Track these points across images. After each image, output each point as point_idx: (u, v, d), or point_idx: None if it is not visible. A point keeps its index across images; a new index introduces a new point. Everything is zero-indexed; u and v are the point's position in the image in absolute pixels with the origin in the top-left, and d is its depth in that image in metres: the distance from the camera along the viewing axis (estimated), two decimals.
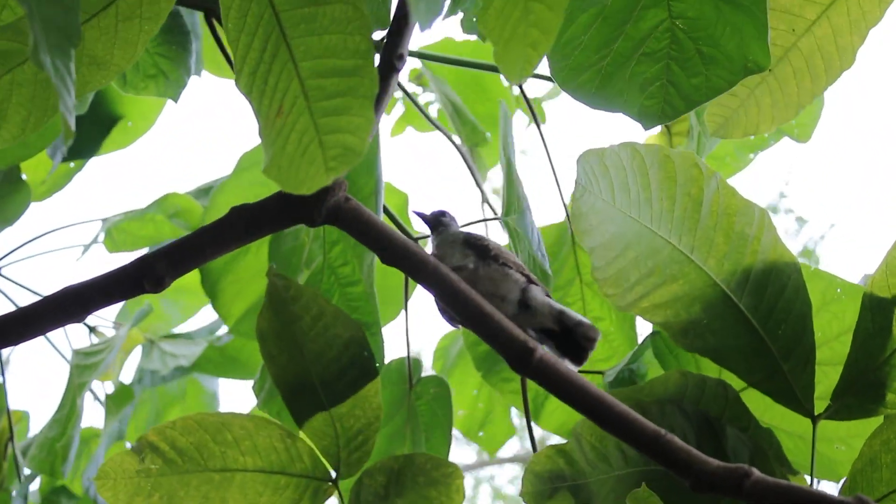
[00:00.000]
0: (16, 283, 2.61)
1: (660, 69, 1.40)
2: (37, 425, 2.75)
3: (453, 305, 1.16)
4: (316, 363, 1.34)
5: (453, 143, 2.21)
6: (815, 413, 1.34)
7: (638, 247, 1.35)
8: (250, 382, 2.17)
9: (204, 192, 2.74)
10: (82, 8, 1.17)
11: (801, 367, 1.33)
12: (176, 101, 2.15)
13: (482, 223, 2.09)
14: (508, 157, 1.69)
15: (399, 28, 1.17)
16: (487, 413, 2.47)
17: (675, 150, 1.38)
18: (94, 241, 2.71)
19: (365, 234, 1.19)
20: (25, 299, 2.66)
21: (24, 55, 1.18)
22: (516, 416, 2.75)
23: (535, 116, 2.13)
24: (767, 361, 1.34)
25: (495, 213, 2.13)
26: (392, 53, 1.17)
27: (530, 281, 1.29)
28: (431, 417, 2.00)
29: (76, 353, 2.44)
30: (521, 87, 2.20)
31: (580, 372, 2.00)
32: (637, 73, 1.42)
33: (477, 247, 1.28)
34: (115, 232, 2.73)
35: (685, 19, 1.38)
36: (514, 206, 1.70)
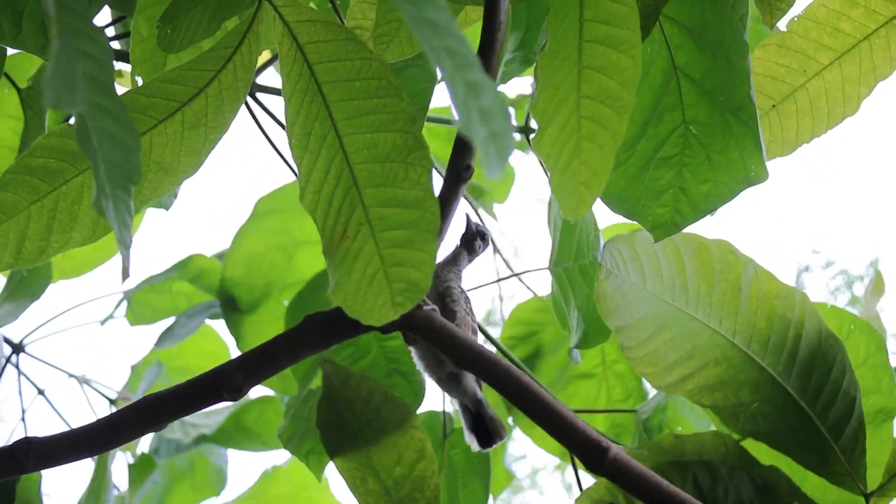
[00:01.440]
0: (40, 360, 2.62)
1: (673, 175, 1.42)
2: None
3: (525, 406, 1.18)
4: (375, 451, 1.36)
5: (466, 198, 2.24)
6: (868, 490, 1.37)
7: (674, 329, 1.37)
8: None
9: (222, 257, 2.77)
10: (150, 114, 1.20)
11: (851, 446, 1.36)
12: (167, 210, 2.21)
13: (498, 283, 2.13)
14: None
15: (466, 139, 1.18)
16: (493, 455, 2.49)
17: (709, 238, 1.41)
18: (111, 315, 2.71)
19: (438, 339, 1.21)
20: (50, 376, 2.68)
21: None
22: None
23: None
24: (819, 443, 1.36)
25: (511, 270, 2.15)
26: (459, 165, 1.19)
27: None
28: (468, 466, 2.04)
29: None
30: (528, 140, 2.23)
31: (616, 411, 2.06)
32: (654, 180, 1.43)
33: (446, 305, 1.30)
34: (136, 304, 2.75)
35: (697, 125, 1.41)
36: (565, 256, 1.73)
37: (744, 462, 1.39)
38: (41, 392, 2.61)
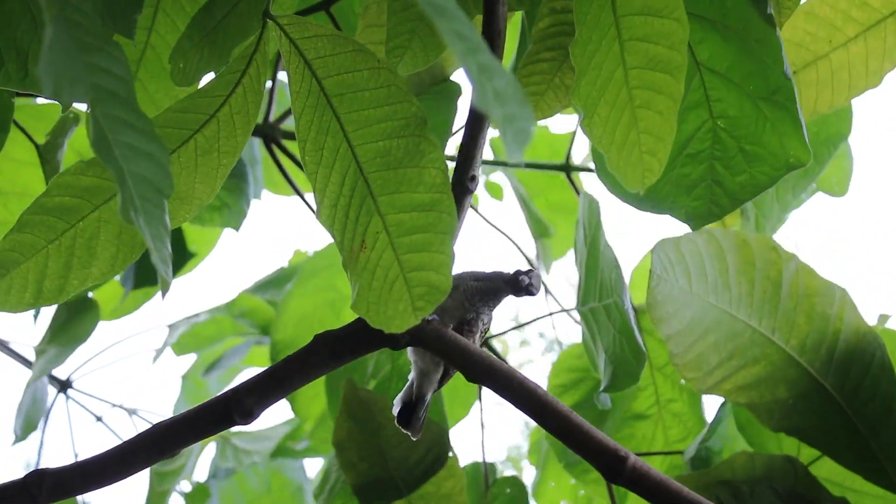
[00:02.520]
0: (88, 395, 2.64)
1: (704, 170, 1.41)
2: None
3: (540, 417, 1.15)
4: (400, 468, 1.35)
5: (512, 241, 2.24)
6: None
7: (717, 331, 1.36)
8: None
9: (263, 286, 2.79)
10: None
11: (890, 445, 1.33)
12: (237, 230, 2.21)
13: (549, 317, 2.12)
14: (591, 246, 1.69)
15: (469, 150, 1.17)
16: (589, 500, 2.48)
17: (751, 234, 1.39)
18: (165, 345, 2.74)
19: (448, 353, 1.18)
20: (99, 409, 2.71)
21: (110, 191, 1.18)
22: None
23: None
24: (855, 440, 1.33)
25: (560, 306, 2.13)
26: (464, 175, 1.17)
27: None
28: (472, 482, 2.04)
29: None
30: (570, 177, 2.24)
31: (662, 452, 2.03)
32: (682, 176, 1.42)
33: (462, 332, 1.26)
34: (182, 335, 2.78)
35: (726, 118, 1.39)
36: (591, 295, 1.70)
37: (812, 489, 1.36)
38: (99, 419, 2.65)
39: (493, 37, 1.17)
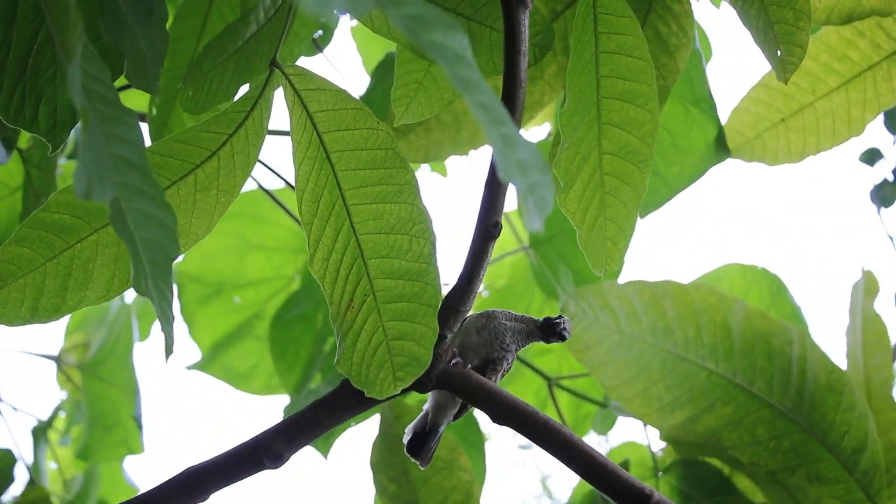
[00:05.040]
0: None
1: None
2: None
3: (565, 457, 1.18)
4: (423, 491, 1.40)
5: None
6: None
7: (663, 370, 1.40)
8: None
9: None
10: (163, 174, 1.19)
11: (871, 473, 1.38)
12: None
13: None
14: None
15: (492, 195, 1.18)
16: None
17: (688, 283, 1.48)
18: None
19: (474, 396, 1.19)
20: None
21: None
22: None
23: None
24: (839, 475, 1.40)
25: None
26: (488, 221, 1.18)
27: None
28: (465, 442, 2.13)
29: None
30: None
31: None
32: None
33: (486, 372, 1.26)
34: None
35: (661, 115, 1.47)
36: (550, 230, 1.85)
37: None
38: None
39: (513, 88, 1.18)
